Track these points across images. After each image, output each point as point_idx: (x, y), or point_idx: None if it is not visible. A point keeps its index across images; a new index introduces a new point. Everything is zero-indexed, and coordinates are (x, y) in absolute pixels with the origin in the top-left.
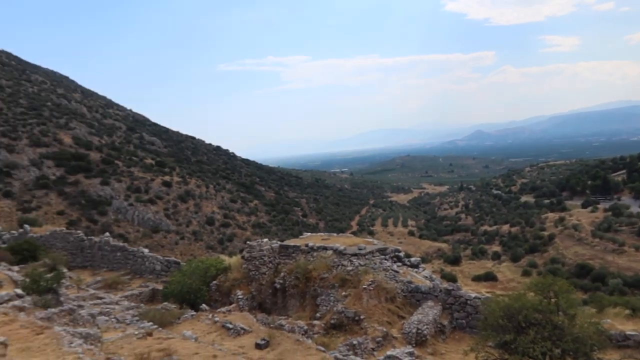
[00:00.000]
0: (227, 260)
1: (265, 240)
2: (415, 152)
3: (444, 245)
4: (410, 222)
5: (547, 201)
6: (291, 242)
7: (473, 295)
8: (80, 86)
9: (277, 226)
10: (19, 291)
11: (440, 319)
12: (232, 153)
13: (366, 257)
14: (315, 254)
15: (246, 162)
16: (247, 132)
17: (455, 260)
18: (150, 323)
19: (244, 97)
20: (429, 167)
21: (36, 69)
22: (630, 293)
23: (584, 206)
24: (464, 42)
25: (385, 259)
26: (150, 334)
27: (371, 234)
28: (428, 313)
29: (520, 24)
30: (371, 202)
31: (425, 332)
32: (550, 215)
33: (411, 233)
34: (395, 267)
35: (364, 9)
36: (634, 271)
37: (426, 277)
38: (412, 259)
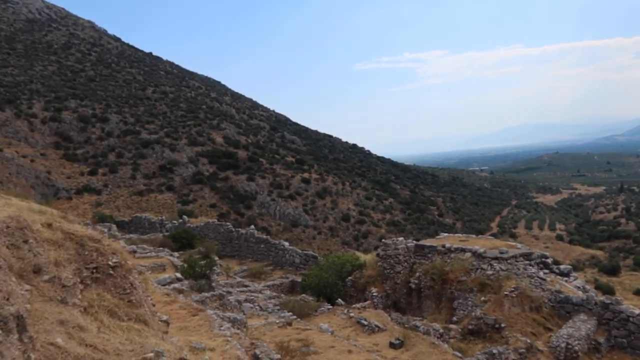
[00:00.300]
0: (362, 257)
1: (401, 239)
2: (565, 149)
3: (598, 253)
4: (558, 226)
5: None
6: (427, 241)
7: (637, 311)
8: (229, 90)
9: (412, 225)
10: (179, 275)
11: (595, 336)
12: (368, 151)
13: (508, 261)
14: (452, 255)
15: (381, 160)
16: (382, 129)
17: (612, 271)
18: (290, 313)
19: (379, 94)
20: (582, 165)
21: (193, 75)
22: None
23: None
24: (626, 23)
25: (530, 265)
26: (289, 324)
27: (513, 236)
28: (580, 327)
29: None
30: (513, 202)
31: (576, 347)
32: None
33: (559, 237)
34: (541, 274)
35: None
36: None
37: (578, 287)
38: (562, 267)
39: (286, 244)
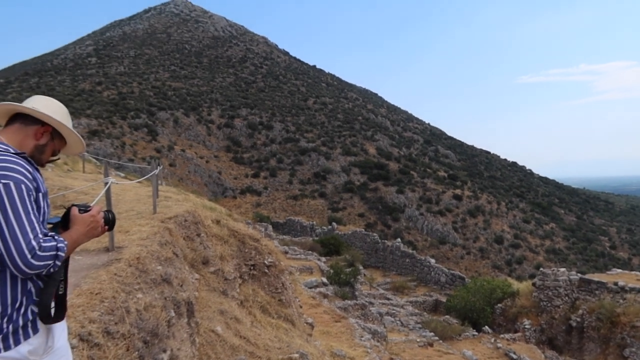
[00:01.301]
0: (514, 284)
1: (563, 270)
2: None
3: None
4: None
5: None
6: (594, 276)
7: None
8: (386, 102)
9: (576, 255)
10: (325, 280)
11: None
12: (529, 170)
13: None
14: (627, 295)
15: (544, 180)
16: (549, 148)
17: None
18: (432, 333)
19: (546, 110)
20: None
21: (352, 87)
22: None
23: None
24: None
25: None
26: (431, 344)
27: None
28: None
29: None
30: None
31: None
32: None
33: None
34: None
35: None
36: None
37: None
38: None
39: (432, 260)
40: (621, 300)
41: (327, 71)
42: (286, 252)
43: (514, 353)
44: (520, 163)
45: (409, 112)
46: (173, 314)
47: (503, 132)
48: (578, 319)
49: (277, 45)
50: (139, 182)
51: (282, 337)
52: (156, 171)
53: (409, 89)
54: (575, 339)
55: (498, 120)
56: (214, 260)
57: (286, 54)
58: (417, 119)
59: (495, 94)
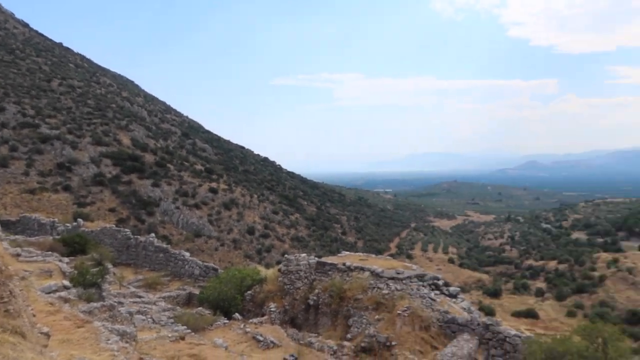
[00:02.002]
0: (263, 271)
1: (303, 255)
2: (463, 178)
3: (484, 277)
4: (451, 249)
5: (600, 240)
6: (329, 259)
7: (513, 332)
8: (143, 90)
9: (315, 241)
10: (66, 282)
11: (476, 354)
12: (279, 165)
13: (404, 281)
14: (352, 273)
15: (291, 175)
16: (296, 145)
17: (495, 293)
18: (184, 327)
19: (297, 111)
20: (477, 194)
21: (105, 72)
22: None
23: None
24: (525, 68)
25: (423, 286)
26: (182, 338)
27: (410, 257)
28: (463, 346)
29: (589, 52)
30: (412, 225)
31: None
32: (603, 255)
33: (451, 260)
34: (432, 295)
35: (423, 31)
36: None
37: (464, 308)
38: (451, 288)
39: (187, 254)
40: (348, 278)
41: (76, 51)
42: (18, 255)
43: (260, 335)
44: (272, 159)
45: (168, 103)
46: None
47: (258, 129)
48: (314, 298)
49: (13, 14)
50: None
51: (9, 353)
52: None
53: (168, 78)
54: (312, 315)
55: (253, 117)
56: None
57: (26, 25)
58: (175, 110)
59: (253, 92)
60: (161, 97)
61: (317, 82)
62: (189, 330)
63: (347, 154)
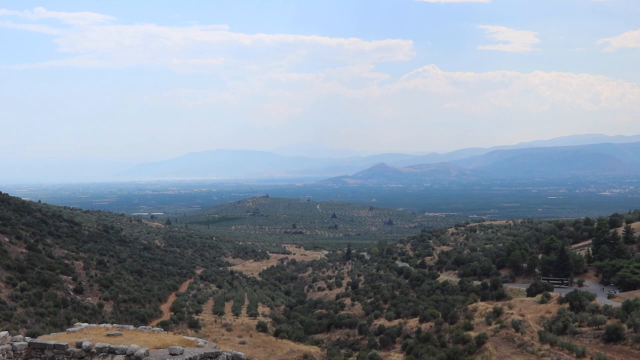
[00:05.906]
0: None
1: (2, 333)
2: (278, 192)
3: (313, 350)
4: (261, 309)
5: (477, 283)
6: (51, 337)
7: None
8: None
9: (26, 308)
10: None
11: None
12: None
13: None
14: None
15: None
16: None
17: None
18: None
19: None
20: (299, 217)
21: None
22: None
23: (530, 293)
24: (367, 23)
25: None
26: None
27: (195, 326)
28: None
29: (453, 2)
30: (198, 272)
31: None
32: (481, 305)
33: (262, 327)
34: None
35: None
36: None
37: None
38: None
39: None
40: None
41: None
42: None
43: None
44: None
45: None
46: None
47: None
48: None
49: None
50: None
51: None
52: None
53: None
54: None
55: None
56: None
57: None
58: None
59: None
60: None
61: (27, 23)
62: None
63: (85, 153)
